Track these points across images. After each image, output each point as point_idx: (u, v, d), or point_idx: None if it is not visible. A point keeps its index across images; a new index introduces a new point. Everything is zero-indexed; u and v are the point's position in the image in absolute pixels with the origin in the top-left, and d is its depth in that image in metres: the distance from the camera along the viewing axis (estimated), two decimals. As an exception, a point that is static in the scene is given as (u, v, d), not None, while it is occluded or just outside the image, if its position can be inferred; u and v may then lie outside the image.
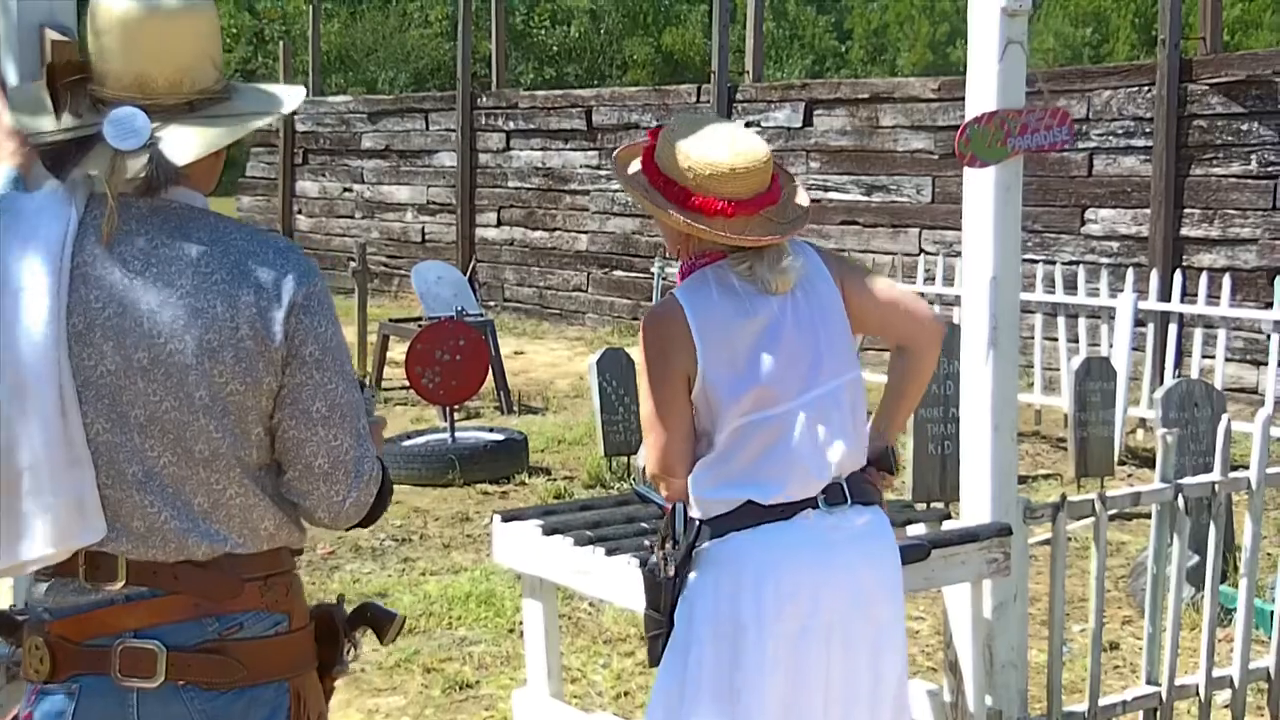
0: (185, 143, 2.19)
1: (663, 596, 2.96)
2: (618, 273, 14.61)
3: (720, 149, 2.93)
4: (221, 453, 2.19)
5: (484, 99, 16.24)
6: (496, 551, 4.09)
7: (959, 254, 10.82)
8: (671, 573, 2.95)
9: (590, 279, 15.00)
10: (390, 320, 11.66)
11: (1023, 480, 8.77)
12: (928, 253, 11.77)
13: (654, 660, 3.02)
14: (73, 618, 2.21)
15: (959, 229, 11.36)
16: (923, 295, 10.59)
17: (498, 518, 4.06)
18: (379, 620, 2.48)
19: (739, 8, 14.90)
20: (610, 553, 3.61)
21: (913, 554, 3.64)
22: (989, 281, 4.05)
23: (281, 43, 20.20)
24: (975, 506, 4.09)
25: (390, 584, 6.61)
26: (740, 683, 2.92)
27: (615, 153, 3.15)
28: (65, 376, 2.14)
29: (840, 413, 3.03)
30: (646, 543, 3.10)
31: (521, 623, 4.48)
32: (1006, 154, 4.05)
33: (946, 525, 4.07)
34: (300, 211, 18.78)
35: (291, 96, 2.37)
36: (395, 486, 8.55)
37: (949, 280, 10.62)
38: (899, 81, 13.22)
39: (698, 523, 2.97)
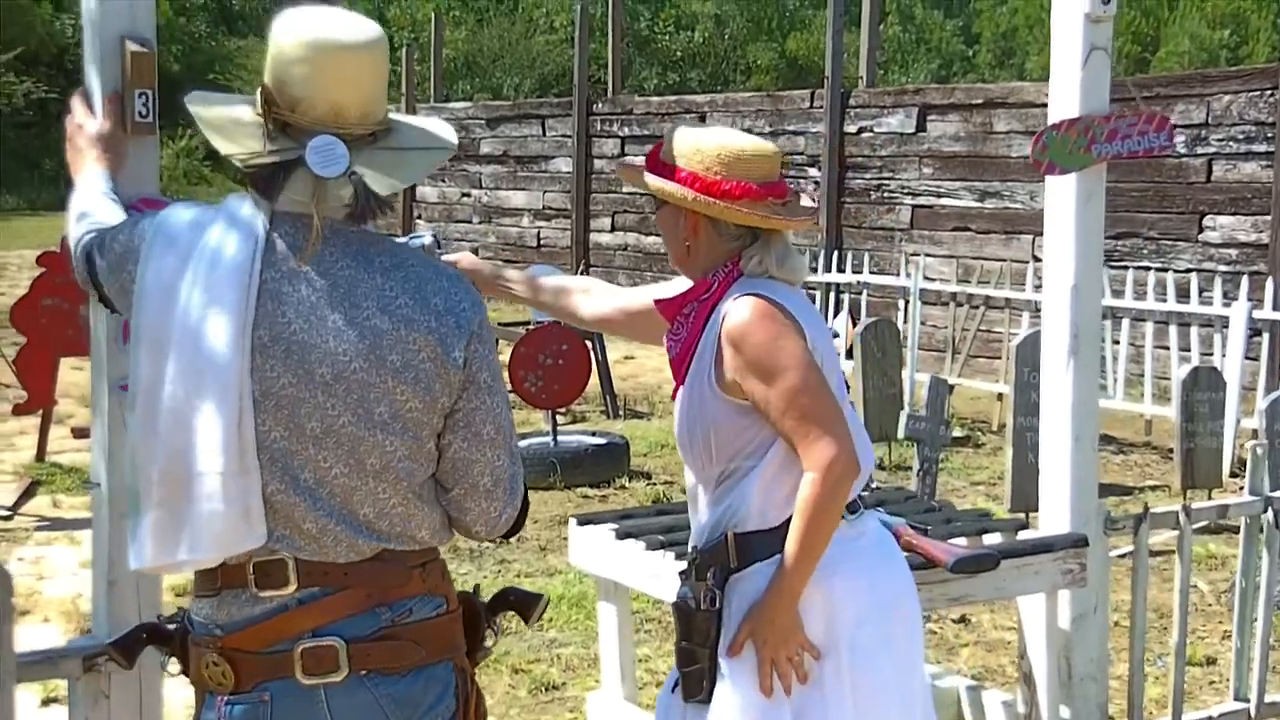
0: (389, 173, 2.31)
1: (704, 629, 2.90)
2: (729, 278, 14.61)
3: (733, 137, 2.95)
4: (392, 466, 2.29)
5: (600, 105, 16.36)
6: (573, 555, 4.15)
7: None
8: (716, 604, 2.90)
9: (702, 284, 15.03)
10: (500, 324, 11.79)
11: (1129, 491, 8.65)
12: (1039, 260, 11.61)
13: (691, 695, 2.93)
14: (248, 629, 2.29)
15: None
16: (1032, 304, 10.48)
17: (574, 521, 4.12)
18: (522, 602, 2.59)
19: (856, 12, 14.82)
20: (680, 557, 3.64)
21: (981, 564, 3.62)
22: (1070, 290, 4.01)
23: (404, 49, 20.49)
24: (1054, 517, 4.05)
25: (485, 585, 6.58)
26: (832, 706, 2.89)
27: (617, 170, 3.13)
28: (245, 387, 2.23)
29: (861, 429, 3.03)
30: (681, 573, 3.04)
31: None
32: (1091, 160, 3.99)
33: (1022, 535, 4.04)
34: (420, 216, 19.04)
35: (446, 130, 2.48)
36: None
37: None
38: (1013, 86, 13.06)
39: (738, 545, 2.92)
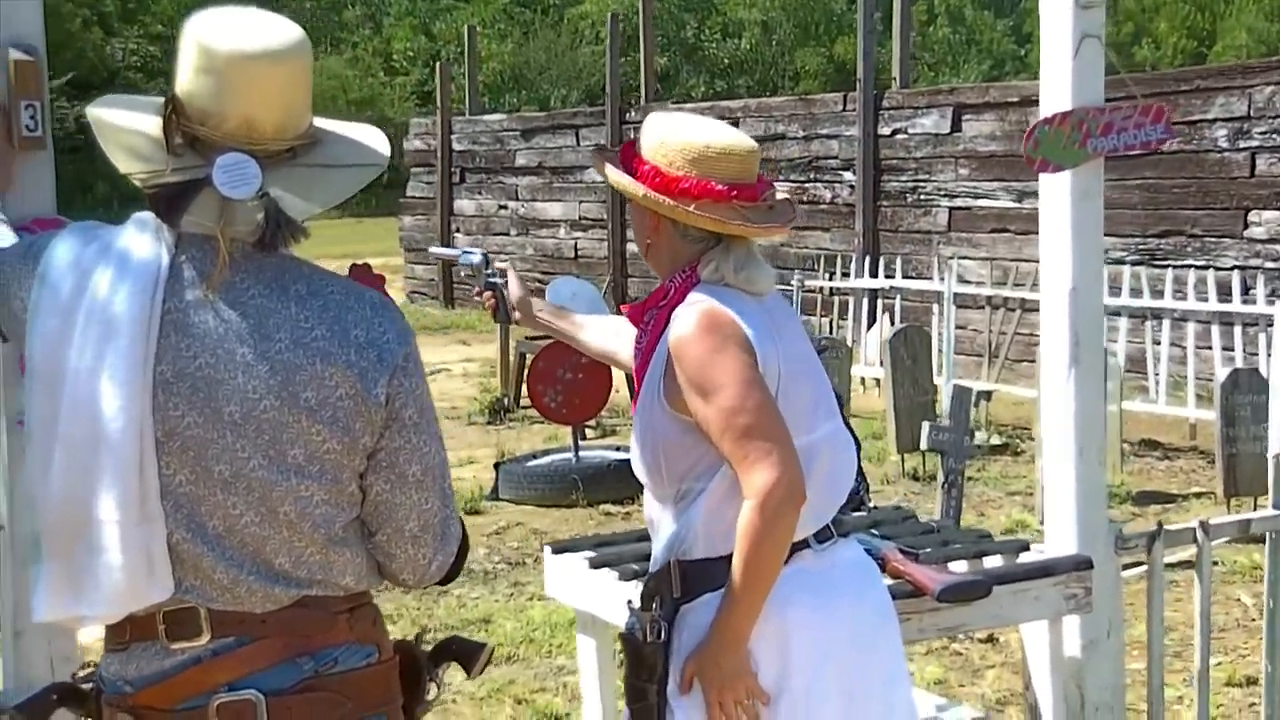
0: (305, 196, 2.11)
1: (651, 663, 2.69)
2: (766, 286, 14.35)
3: (701, 130, 2.74)
4: (308, 513, 2.10)
5: (633, 114, 16.17)
6: (549, 585, 3.93)
7: (1112, 261, 10.37)
8: (661, 636, 2.69)
9: (739, 293, 14.78)
10: (527, 338, 11.61)
11: (1172, 499, 8.35)
12: (1082, 260, 11.30)
13: None
14: (160, 684, 2.12)
15: (1114, 235, 10.84)
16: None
17: (548, 549, 3.90)
18: (466, 652, 2.42)
19: (891, 14, 14.53)
20: (652, 588, 3.42)
21: (971, 591, 3.39)
22: (1068, 294, 3.77)
23: (437, 64, 20.42)
24: (1060, 536, 3.81)
25: (496, 609, 6.49)
26: None
27: (591, 157, 2.92)
28: (146, 429, 2.04)
29: (848, 451, 2.81)
30: (629, 603, 2.82)
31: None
32: (1086, 156, 3.75)
33: (1024, 557, 3.79)
34: (458, 230, 18.92)
35: (379, 141, 2.26)
36: (519, 506, 8.47)
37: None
38: (1051, 83, 12.74)
39: (686, 576, 2.70)
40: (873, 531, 3.80)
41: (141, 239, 2.11)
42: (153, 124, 2.11)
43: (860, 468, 4.52)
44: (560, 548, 3.89)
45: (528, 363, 11.16)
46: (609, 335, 3.22)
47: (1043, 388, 3.87)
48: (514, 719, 5.28)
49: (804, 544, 2.74)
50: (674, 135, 2.73)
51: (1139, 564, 4.17)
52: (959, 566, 3.77)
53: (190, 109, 2.09)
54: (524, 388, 11.21)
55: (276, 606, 2.12)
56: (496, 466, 8.66)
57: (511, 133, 18.09)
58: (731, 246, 2.73)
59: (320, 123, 2.23)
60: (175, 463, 2.07)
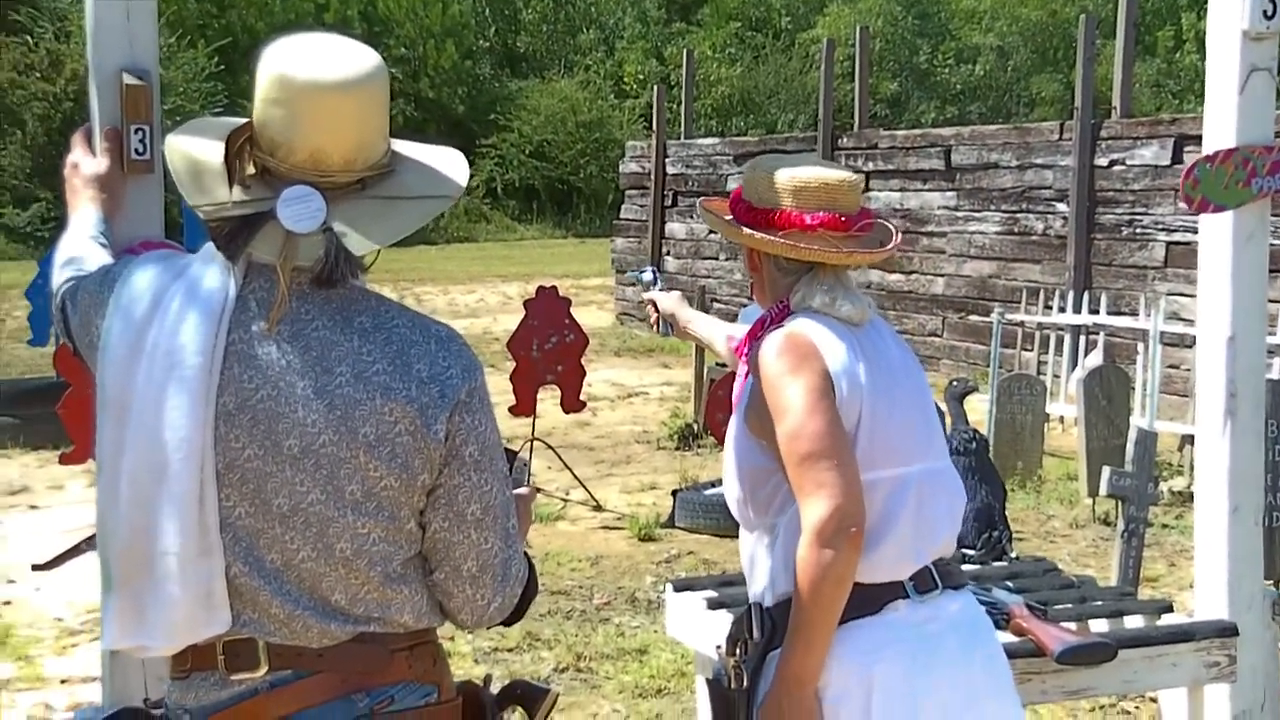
0: (365, 231, 2.08)
1: (733, 711, 2.60)
2: (973, 318, 14.02)
3: (793, 165, 2.71)
4: (365, 550, 2.08)
5: (845, 139, 15.98)
6: (669, 624, 3.86)
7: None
8: (744, 683, 2.59)
9: (945, 324, 14.47)
10: (718, 364, 11.53)
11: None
12: (1307, 301, 10.74)
13: None
14: (216, 715, 2.13)
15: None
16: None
17: (669, 586, 3.83)
18: (529, 696, 2.37)
19: (1150, 41, 14.05)
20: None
21: (1093, 654, 3.21)
22: (1225, 342, 3.56)
23: (655, 88, 20.51)
24: (1211, 600, 3.59)
25: (654, 640, 6.41)
26: None
27: (700, 201, 2.90)
28: (208, 462, 2.05)
29: (948, 494, 2.67)
30: (717, 647, 2.74)
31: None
32: (1250, 196, 3.54)
33: (1166, 619, 3.58)
34: (668, 253, 18.95)
35: (458, 169, 2.22)
36: (694, 535, 8.34)
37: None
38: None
39: (771, 619, 2.60)
40: (1007, 584, 3.64)
41: (212, 268, 2.11)
42: (219, 153, 2.10)
43: (1003, 514, 4.36)
44: (682, 585, 3.83)
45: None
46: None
47: (1198, 441, 3.65)
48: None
49: (900, 592, 2.62)
50: (765, 170, 2.72)
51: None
52: (1099, 625, 3.58)
53: (262, 139, 2.09)
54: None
55: (333, 642, 2.10)
56: (674, 494, 8.60)
57: (724, 156, 18.05)
58: (818, 274, 2.69)
59: (399, 146, 2.20)
60: (235, 495, 2.06)
